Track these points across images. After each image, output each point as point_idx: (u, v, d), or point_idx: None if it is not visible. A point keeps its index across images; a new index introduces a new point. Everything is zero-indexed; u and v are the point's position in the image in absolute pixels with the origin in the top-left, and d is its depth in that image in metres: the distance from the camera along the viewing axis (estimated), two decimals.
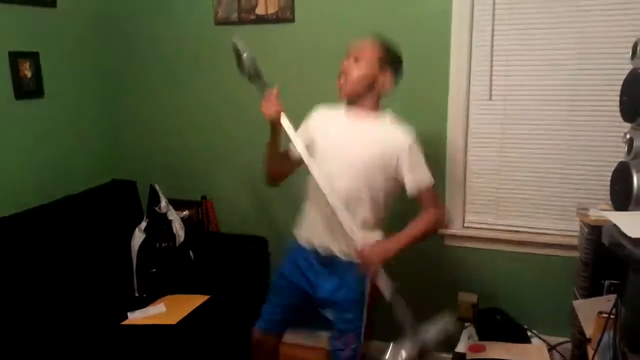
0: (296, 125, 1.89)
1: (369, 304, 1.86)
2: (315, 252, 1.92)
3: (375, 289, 1.83)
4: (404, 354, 1.68)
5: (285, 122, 1.79)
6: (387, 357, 1.68)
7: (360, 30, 2.45)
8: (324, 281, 1.91)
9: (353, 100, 1.86)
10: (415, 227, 1.85)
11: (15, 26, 2.44)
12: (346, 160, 1.82)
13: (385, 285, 1.74)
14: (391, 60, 1.85)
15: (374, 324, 1.94)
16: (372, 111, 1.87)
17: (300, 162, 1.86)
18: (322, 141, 1.89)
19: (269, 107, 1.77)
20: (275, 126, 1.81)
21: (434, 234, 2.06)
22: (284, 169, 1.98)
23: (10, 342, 2.01)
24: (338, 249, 1.87)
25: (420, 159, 1.84)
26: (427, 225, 1.87)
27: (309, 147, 1.85)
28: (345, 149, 1.83)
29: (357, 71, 1.81)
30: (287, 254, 2.04)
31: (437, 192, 1.92)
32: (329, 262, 1.89)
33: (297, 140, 1.81)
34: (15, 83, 2.43)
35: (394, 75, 1.86)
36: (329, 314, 1.91)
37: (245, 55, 1.78)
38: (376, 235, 1.89)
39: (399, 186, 1.86)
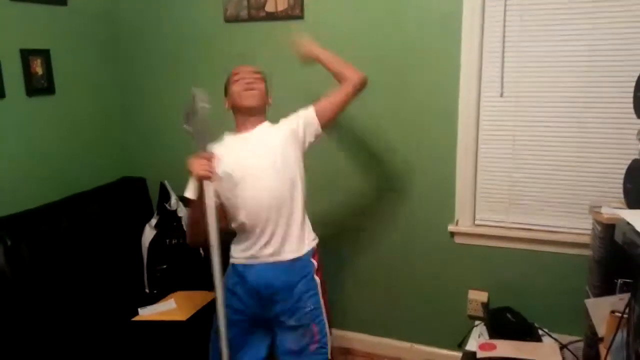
0: None
1: (324, 298, 1.91)
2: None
3: (324, 283, 1.92)
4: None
5: (208, 192, 1.69)
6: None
7: (369, 27, 2.47)
8: (273, 276, 1.87)
9: (255, 111, 1.93)
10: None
11: (26, 24, 2.46)
12: (264, 174, 1.85)
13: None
14: (267, 83, 1.99)
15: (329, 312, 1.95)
16: (262, 122, 1.96)
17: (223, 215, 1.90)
18: (235, 169, 1.84)
19: (201, 167, 1.70)
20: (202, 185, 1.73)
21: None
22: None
23: (23, 338, 2.03)
24: (273, 251, 1.88)
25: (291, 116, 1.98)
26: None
27: (227, 180, 1.83)
28: (257, 166, 1.85)
29: (261, 86, 1.93)
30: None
31: None
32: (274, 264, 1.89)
33: (212, 220, 1.71)
34: (27, 80, 2.45)
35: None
36: (286, 317, 1.87)
37: (201, 105, 1.68)
38: (312, 236, 1.97)
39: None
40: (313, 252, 1.94)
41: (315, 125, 1.96)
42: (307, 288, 1.88)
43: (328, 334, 1.90)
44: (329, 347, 1.90)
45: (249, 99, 1.89)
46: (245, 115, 1.92)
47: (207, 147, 1.75)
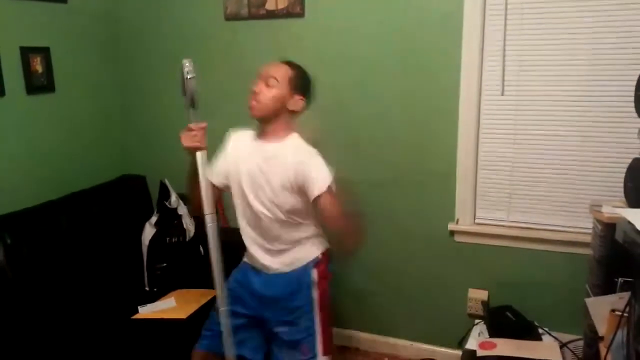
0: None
1: (322, 313, 1.84)
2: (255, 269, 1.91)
3: (326, 297, 1.85)
4: None
5: (199, 159, 1.73)
6: None
7: (370, 25, 2.46)
8: (271, 284, 1.86)
9: (265, 121, 1.84)
10: None
11: (26, 21, 2.46)
12: (257, 187, 1.81)
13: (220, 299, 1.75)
14: (301, 82, 1.83)
15: (330, 337, 1.89)
16: (283, 132, 1.82)
17: (220, 188, 1.91)
18: (235, 169, 1.86)
19: (189, 138, 1.74)
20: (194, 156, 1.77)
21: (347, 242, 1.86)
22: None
23: (23, 336, 2.03)
24: (270, 263, 1.86)
25: (321, 169, 1.74)
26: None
27: (227, 173, 1.88)
28: (256, 190, 1.81)
29: (268, 93, 1.79)
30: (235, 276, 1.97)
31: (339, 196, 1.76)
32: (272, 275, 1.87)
33: (204, 188, 1.74)
34: (27, 78, 2.45)
35: (305, 97, 1.84)
36: (281, 328, 1.85)
37: (189, 77, 1.74)
38: (316, 247, 1.87)
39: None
40: (316, 263, 1.86)
41: (307, 193, 1.74)
42: (302, 303, 1.83)
43: (320, 353, 1.82)
44: None
45: (251, 111, 1.81)
46: (261, 123, 1.85)
47: (197, 117, 1.77)
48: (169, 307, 2.38)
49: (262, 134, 1.85)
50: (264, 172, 1.79)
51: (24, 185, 2.45)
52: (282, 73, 1.81)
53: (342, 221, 1.76)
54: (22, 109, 2.45)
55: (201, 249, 2.68)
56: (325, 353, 1.83)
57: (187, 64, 1.74)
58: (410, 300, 2.68)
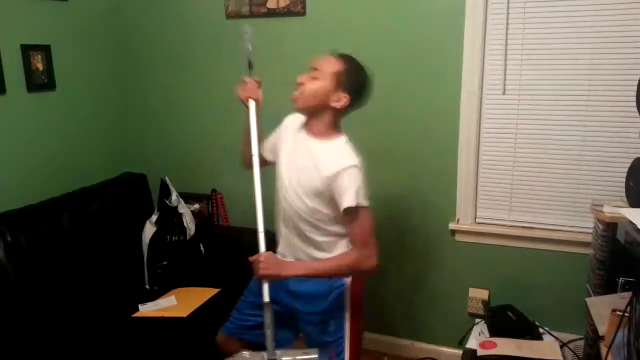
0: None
1: (353, 320, 1.81)
2: None
3: (357, 304, 1.81)
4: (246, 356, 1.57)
5: (252, 108, 1.83)
6: None
7: (371, 23, 2.46)
8: (304, 280, 1.80)
9: (308, 114, 1.79)
10: (327, 263, 1.74)
11: (27, 19, 2.45)
12: (289, 181, 1.79)
13: (266, 293, 1.64)
14: (350, 79, 1.73)
15: (359, 345, 1.88)
16: (327, 129, 1.76)
17: (268, 161, 1.92)
18: (279, 153, 1.87)
19: (243, 90, 1.83)
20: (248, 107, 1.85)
21: (356, 274, 1.82)
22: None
23: (23, 333, 2.03)
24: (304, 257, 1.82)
25: (354, 183, 1.66)
26: (341, 266, 1.73)
27: (275, 151, 1.90)
28: (290, 170, 1.80)
29: (311, 85, 1.72)
30: None
31: (371, 228, 1.72)
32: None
33: (254, 133, 1.80)
34: (27, 76, 2.44)
35: (352, 95, 1.73)
36: (310, 327, 1.84)
37: (246, 36, 1.87)
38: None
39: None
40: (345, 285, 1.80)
41: (334, 207, 1.70)
42: (332, 307, 1.79)
43: None
44: None
45: (294, 103, 1.77)
46: (305, 116, 1.82)
47: (251, 73, 1.89)
48: (170, 305, 2.38)
49: (307, 126, 1.80)
50: (299, 167, 1.76)
51: (25, 184, 2.45)
52: (329, 66, 1.73)
53: (363, 247, 1.70)
54: (23, 106, 2.45)
55: (201, 247, 2.68)
56: None
57: (248, 31, 1.87)
58: (410, 299, 2.68)
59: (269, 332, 1.57)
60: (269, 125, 1.96)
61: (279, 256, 1.83)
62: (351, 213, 1.66)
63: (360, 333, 1.89)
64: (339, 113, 1.76)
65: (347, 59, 1.76)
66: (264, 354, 1.55)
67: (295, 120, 1.88)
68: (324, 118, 1.75)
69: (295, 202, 1.76)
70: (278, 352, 1.56)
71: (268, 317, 1.58)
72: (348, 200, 1.64)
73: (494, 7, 2.29)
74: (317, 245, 1.78)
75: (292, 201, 1.77)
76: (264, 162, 1.87)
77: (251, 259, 1.67)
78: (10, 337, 1.98)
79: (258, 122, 1.82)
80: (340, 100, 1.72)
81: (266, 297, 1.61)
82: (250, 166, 1.79)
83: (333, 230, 1.76)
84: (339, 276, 1.78)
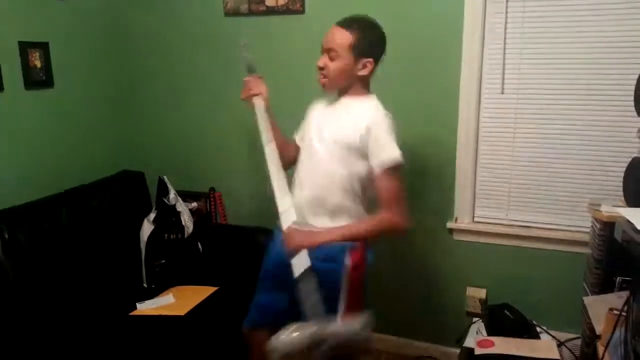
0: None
1: (352, 286, 1.71)
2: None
3: (360, 271, 1.72)
4: (294, 333, 1.52)
5: (257, 105, 1.93)
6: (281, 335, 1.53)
7: None
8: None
9: (340, 92, 1.87)
10: (362, 225, 1.77)
11: (25, 16, 2.44)
12: (320, 142, 1.82)
13: (300, 265, 1.63)
14: (366, 43, 1.78)
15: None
16: (360, 94, 1.84)
17: (297, 148, 1.97)
18: (309, 129, 1.91)
19: (245, 90, 1.95)
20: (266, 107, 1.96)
21: (387, 235, 1.84)
22: (285, 153, 1.98)
23: (20, 331, 2.03)
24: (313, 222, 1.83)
25: (387, 137, 1.74)
26: (376, 227, 1.76)
27: (304, 134, 1.96)
28: (320, 131, 1.84)
29: (332, 66, 1.78)
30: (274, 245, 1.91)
31: (403, 189, 1.75)
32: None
33: (262, 126, 1.90)
34: (25, 73, 2.43)
35: (374, 57, 1.80)
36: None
37: (242, 45, 2.05)
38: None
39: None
40: (352, 247, 1.71)
41: (366, 161, 1.75)
42: (333, 279, 1.67)
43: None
44: None
45: (323, 87, 1.86)
46: (337, 95, 1.89)
47: (251, 74, 2.02)
48: (168, 303, 2.37)
49: (340, 96, 1.88)
50: (332, 125, 1.81)
51: (22, 181, 2.44)
52: (341, 42, 1.77)
53: (397, 205, 1.72)
54: (21, 104, 2.44)
55: (199, 245, 2.68)
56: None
57: (243, 43, 2.05)
58: (408, 298, 2.68)
59: (309, 303, 1.58)
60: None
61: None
62: (385, 166, 1.72)
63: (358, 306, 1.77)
64: (368, 77, 1.83)
65: (354, 25, 1.80)
66: (311, 325, 1.53)
67: (318, 104, 1.96)
68: (356, 86, 1.83)
69: (325, 160, 1.78)
70: (323, 320, 1.55)
71: (309, 287, 1.58)
72: (387, 155, 1.72)
73: (493, 7, 2.29)
74: (334, 212, 1.79)
75: (324, 145, 1.80)
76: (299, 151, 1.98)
77: (285, 230, 1.72)
78: (9, 334, 1.98)
79: (270, 114, 1.95)
80: (366, 66, 1.79)
81: (301, 268, 1.63)
82: (292, 163, 1.91)
83: (356, 193, 1.79)
84: (373, 237, 1.79)
